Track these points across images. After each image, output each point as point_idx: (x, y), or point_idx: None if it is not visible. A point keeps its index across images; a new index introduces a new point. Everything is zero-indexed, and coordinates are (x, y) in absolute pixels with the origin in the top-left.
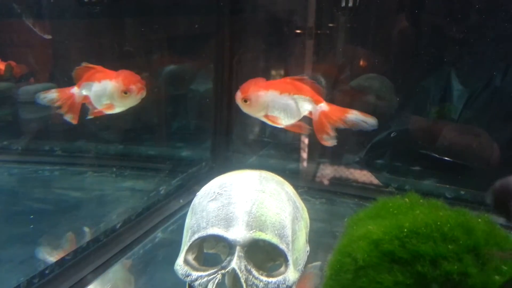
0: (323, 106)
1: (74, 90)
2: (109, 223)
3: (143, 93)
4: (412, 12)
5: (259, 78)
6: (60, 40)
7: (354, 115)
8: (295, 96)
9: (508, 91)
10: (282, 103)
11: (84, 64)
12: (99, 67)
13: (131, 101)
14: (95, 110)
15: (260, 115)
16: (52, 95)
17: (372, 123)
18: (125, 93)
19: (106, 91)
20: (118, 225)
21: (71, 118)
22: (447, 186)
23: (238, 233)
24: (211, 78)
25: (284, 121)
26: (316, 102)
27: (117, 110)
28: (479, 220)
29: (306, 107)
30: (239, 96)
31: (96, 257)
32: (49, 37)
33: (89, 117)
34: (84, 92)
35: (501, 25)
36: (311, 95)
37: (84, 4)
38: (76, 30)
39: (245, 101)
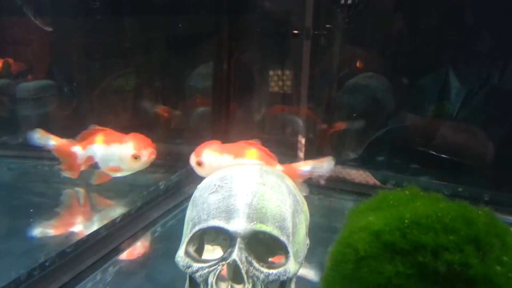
0: (278, 168)
1: (77, 149)
2: (109, 217)
3: (154, 157)
4: (411, 11)
5: (214, 141)
6: (58, 37)
7: (308, 167)
8: (249, 160)
9: (506, 89)
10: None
11: (92, 126)
12: (108, 129)
13: (141, 165)
14: (102, 175)
15: None
16: (49, 142)
17: (327, 166)
18: (136, 158)
19: (115, 155)
20: (118, 219)
21: (70, 174)
22: (445, 183)
23: (239, 225)
24: (210, 75)
25: None
26: (271, 166)
27: (124, 173)
28: (479, 212)
29: None
30: (193, 159)
31: (96, 250)
32: (50, 29)
33: (95, 183)
34: (89, 153)
35: (498, 23)
36: (264, 159)
37: (84, 0)
38: (74, 26)
39: (199, 164)
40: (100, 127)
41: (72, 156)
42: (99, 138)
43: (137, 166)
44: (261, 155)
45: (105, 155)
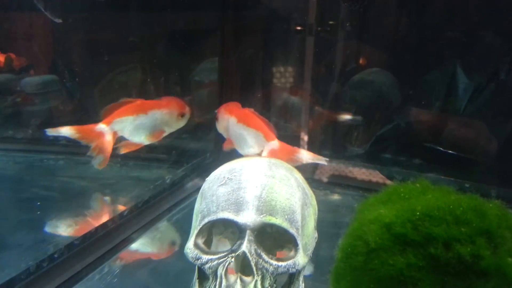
0: (274, 144)
1: (102, 128)
2: (116, 210)
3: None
4: (417, 5)
5: (236, 103)
6: (61, 32)
7: (303, 155)
8: (249, 128)
9: None
10: (236, 130)
11: (123, 99)
12: (139, 100)
13: (184, 122)
14: (131, 145)
15: (225, 135)
16: (67, 131)
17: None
18: (182, 116)
19: (157, 120)
20: (125, 212)
21: (101, 162)
22: (452, 178)
23: (248, 217)
24: (214, 70)
25: (241, 149)
26: (268, 139)
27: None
28: (491, 205)
29: (257, 141)
30: (215, 113)
31: (104, 243)
32: (60, 21)
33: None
34: (116, 128)
35: (506, 18)
36: (264, 131)
37: None
38: (78, 21)
39: (216, 118)
40: (131, 99)
41: (100, 136)
42: (127, 110)
43: (182, 123)
44: (261, 124)
45: (145, 123)
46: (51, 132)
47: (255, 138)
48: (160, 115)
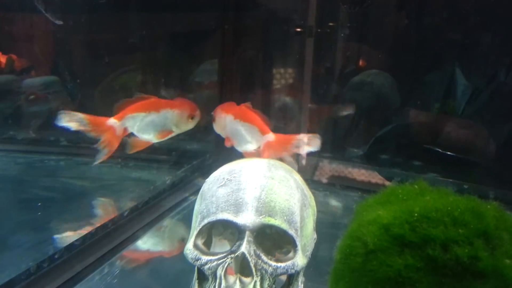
0: (269, 136)
1: (113, 122)
2: (117, 211)
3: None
4: (416, 7)
5: (232, 103)
6: (63, 33)
7: (302, 140)
8: (245, 123)
9: None
10: (233, 127)
11: (138, 95)
12: (153, 98)
13: (193, 125)
14: (139, 143)
15: (223, 135)
16: (80, 118)
17: (316, 142)
18: (192, 118)
19: (167, 119)
20: (125, 213)
21: (104, 154)
22: (450, 180)
23: (247, 218)
24: (214, 71)
25: (240, 147)
26: (263, 133)
27: (172, 134)
28: (488, 206)
29: (253, 136)
30: (211, 115)
31: (104, 244)
32: (61, 22)
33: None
34: (127, 124)
35: (505, 20)
36: (258, 125)
37: None
38: (79, 22)
39: (213, 119)
40: (145, 95)
41: (110, 130)
42: (140, 106)
43: (191, 125)
44: (256, 118)
45: (155, 121)
46: (62, 117)
47: (251, 133)
48: (171, 115)
